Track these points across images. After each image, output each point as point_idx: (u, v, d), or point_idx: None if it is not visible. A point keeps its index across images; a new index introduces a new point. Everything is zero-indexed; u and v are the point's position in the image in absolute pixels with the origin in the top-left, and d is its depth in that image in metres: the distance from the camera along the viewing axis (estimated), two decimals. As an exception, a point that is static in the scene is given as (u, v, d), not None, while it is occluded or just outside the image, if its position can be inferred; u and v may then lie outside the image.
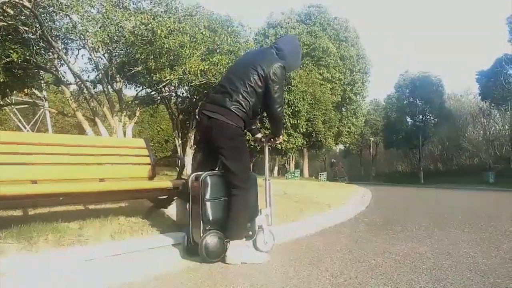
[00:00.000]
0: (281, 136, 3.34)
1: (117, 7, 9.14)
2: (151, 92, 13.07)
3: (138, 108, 12.60)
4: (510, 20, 30.08)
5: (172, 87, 13.68)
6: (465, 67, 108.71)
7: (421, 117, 38.84)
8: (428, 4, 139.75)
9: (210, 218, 2.84)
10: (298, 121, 21.35)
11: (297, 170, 28.97)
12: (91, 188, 3.28)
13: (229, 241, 2.85)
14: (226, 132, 2.86)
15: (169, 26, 8.55)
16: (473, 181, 24.72)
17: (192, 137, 16.95)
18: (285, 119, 20.23)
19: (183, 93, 16.93)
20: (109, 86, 10.73)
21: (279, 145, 20.67)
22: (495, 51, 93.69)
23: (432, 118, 38.85)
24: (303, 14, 36.79)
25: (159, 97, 14.78)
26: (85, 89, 10.62)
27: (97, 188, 3.35)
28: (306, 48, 32.12)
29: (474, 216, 5.85)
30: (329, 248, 3.43)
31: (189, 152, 16.57)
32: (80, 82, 10.53)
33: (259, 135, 3.49)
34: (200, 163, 3.28)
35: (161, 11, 9.83)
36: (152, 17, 8.68)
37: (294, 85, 20.52)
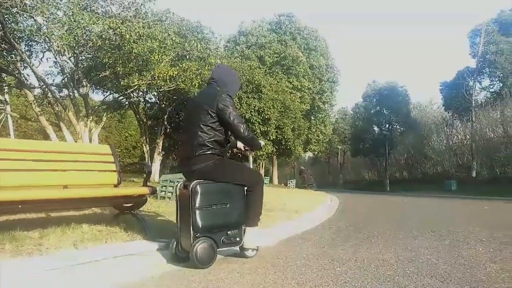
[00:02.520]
0: (262, 142, 3.52)
1: (85, 10, 8.94)
2: (118, 97, 12.85)
3: (105, 113, 12.35)
4: (471, 35, 31.53)
5: (141, 93, 13.51)
6: (429, 78, 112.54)
7: (387, 126, 39.56)
8: (394, 16, 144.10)
9: (200, 225, 2.94)
10: (268, 129, 21.43)
11: (266, 177, 29.01)
12: (53, 195, 3.18)
13: (245, 228, 3.22)
14: (211, 172, 3.08)
15: (138, 31, 8.45)
16: (436, 189, 25.43)
17: (161, 144, 16.73)
18: (254, 127, 20.29)
19: (151, 98, 16.74)
20: (75, 91, 10.47)
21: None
22: (458, 63, 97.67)
23: (398, 127, 39.67)
24: (274, 23, 36.99)
25: (127, 102, 14.57)
26: (49, 93, 10.31)
27: (59, 195, 3.25)
28: (276, 57, 32.40)
29: (436, 223, 6.03)
30: (295, 256, 3.45)
31: (157, 158, 16.35)
32: (44, 86, 10.23)
33: (240, 145, 3.59)
34: None
35: (130, 16, 9.67)
36: (121, 21, 8.55)
37: (264, 93, 20.61)
